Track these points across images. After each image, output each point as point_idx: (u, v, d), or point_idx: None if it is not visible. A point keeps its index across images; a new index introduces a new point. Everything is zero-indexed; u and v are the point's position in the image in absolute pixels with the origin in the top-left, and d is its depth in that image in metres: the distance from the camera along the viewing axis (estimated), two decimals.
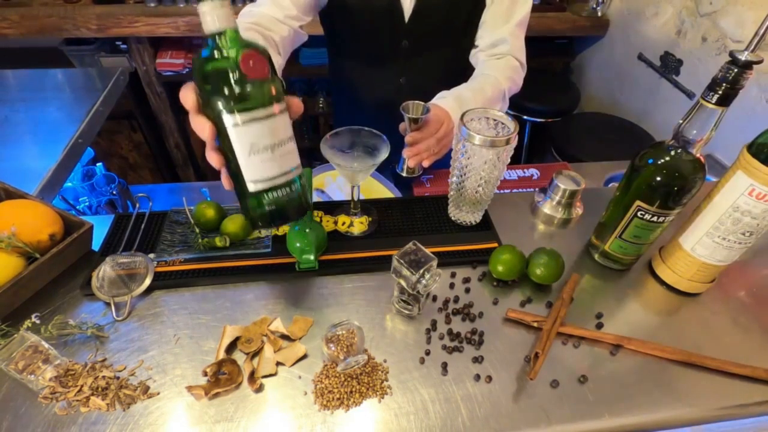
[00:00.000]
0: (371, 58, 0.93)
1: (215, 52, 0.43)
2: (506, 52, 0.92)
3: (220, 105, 0.44)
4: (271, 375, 0.56)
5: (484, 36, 0.93)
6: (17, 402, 0.53)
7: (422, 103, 0.73)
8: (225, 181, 0.49)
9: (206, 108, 0.45)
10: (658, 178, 0.59)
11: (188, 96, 0.45)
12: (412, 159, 0.77)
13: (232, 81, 0.43)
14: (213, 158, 0.48)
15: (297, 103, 0.49)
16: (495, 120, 0.68)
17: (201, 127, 0.45)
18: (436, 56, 0.95)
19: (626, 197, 0.64)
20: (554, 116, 1.83)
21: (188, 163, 2.20)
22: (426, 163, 0.80)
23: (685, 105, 1.60)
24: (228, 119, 0.44)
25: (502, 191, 1.06)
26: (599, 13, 1.97)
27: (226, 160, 0.48)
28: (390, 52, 0.92)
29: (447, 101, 0.82)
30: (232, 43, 0.43)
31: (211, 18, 0.42)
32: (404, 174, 0.81)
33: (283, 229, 0.75)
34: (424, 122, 0.75)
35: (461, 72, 0.98)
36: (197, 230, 0.72)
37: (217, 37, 0.43)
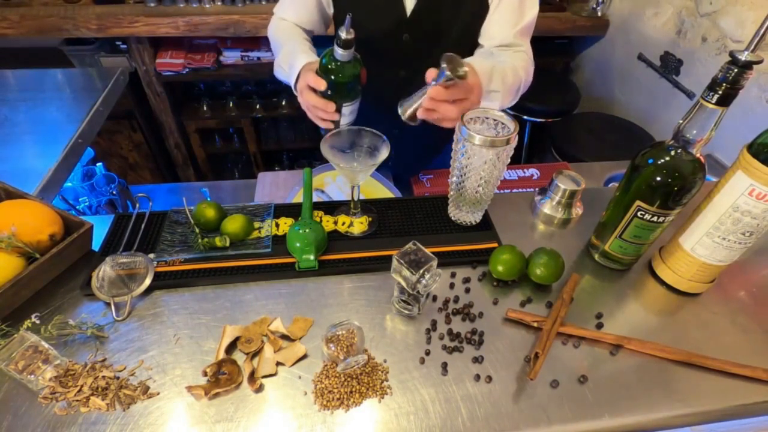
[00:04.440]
0: (372, 50, 0.93)
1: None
2: (519, 50, 0.91)
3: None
4: (271, 375, 0.56)
5: (489, 39, 0.91)
6: (17, 402, 0.53)
7: (465, 62, 0.66)
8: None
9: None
10: (658, 178, 0.59)
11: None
12: (424, 111, 0.69)
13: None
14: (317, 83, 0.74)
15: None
16: (495, 120, 0.68)
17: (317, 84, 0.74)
18: (437, 51, 0.95)
19: (626, 197, 0.64)
20: (554, 116, 1.83)
21: (188, 163, 2.20)
22: (432, 120, 0.71)
23: (685, 105, 1.59)
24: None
25: (502, 191, 1.06)
26: (599, 13, 1.97)
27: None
28: (391, 45, 0.92)
29: (483, 67, 0.76)
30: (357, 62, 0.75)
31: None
32: (403, 117, 0.73)
33: (284, 228, 0.75)
34: (454, 84, 0.66)
35: None
36: (197, 230, 0.72)
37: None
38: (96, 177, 1.25)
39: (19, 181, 0.73)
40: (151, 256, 0.68)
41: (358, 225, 0.76)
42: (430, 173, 1.14)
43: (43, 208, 0.66)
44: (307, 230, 0.69)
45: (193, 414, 0.53)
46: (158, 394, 0.54)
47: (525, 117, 1.86)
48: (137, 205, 0.79)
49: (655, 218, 0.62)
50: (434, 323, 0.63)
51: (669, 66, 1.67)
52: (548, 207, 0.82)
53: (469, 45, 0.95)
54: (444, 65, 0.64)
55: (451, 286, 0.69)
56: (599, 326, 0.64)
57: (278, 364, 0.58)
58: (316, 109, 0.76)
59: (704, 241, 0.63)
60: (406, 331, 0.63)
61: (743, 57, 0.50)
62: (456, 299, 0.67)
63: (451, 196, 0.77)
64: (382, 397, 0.55)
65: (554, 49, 2.24)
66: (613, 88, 2.01)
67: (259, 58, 1.88)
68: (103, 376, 0.54)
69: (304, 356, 0.58)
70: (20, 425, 0.51)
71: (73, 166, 1.04)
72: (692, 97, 1.59)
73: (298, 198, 0.96)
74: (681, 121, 0.57)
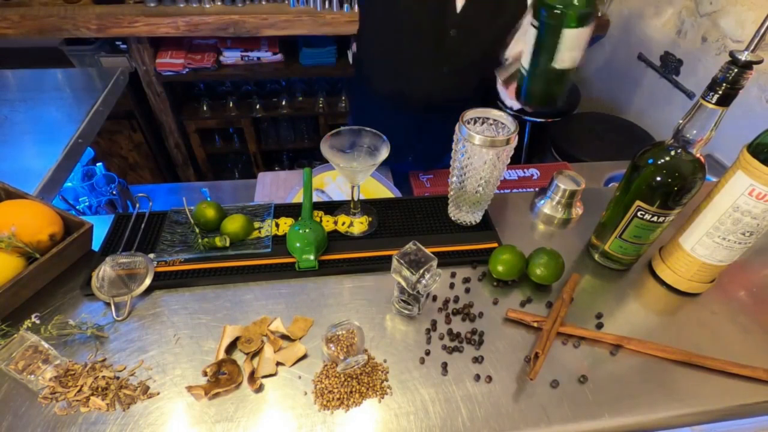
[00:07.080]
0: (419, 44, 0.92)
1: None
2: None
3: None
4: (271, 375, 0.56)
5: None
6: (17, 402, 0.53)
7: None
8: None
9: None
10: (658, 178, 0.59)
11: None
12: None
13: None
14: None
15: None
16: (495, 120, 0.68)
17: None
18: (480, 49, 0.94)
19: (626, 197, 0.64)
20: (554, 116, 1.83)
21: (188, 163, 2.20)
22: None
23: (685, 105, 1.59)
24: None
25: (502, 191, 1.06)
26: (599, 13, 1.97)
27: None
28: (437, 41, 0.92)
29: None
30: None
31: None
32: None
33: (284, 228, 0.75)
34: None
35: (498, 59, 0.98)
36: (197, 230, 0.72)
37: None
38: (96, 177, 1.25)
39: (19, 181, 0.73)
40: (151, 256, 0.68)
41: (358, 225, 0.76)
42: (430, 173, 1.14)
43: (43, 208, 0.66)
44: (307, 230, 0.69)
45: (193, 414, 0.53)
46: (158, 394, 0.54)
47: (525, 117, 1.86)
48: (137, 205, 0.79)
49: (655, 218, 0.62)
50: (434, 323, 0.63)
51: (669, 66, 1.67)
52: (548, 207, 0.82)
53: (505, 45, 0.96)
54: None
55: (451, 286, 0.69)
56: (599, 326, 0.64)
57: (278, 364, 0.58)
58: None
59: (704, 241, 0.63)
60: (406, 331, 0.63)
61: (743, 57, 0.50)
62: (456, 299, 0.67)
63: (451, 196, 0.77)
64: (382, 397, 0.55)
65: None
66: (613, 88, 2.01)
67: (259, 58, 1.88)
68: (103, 376, 0.54)
69: (304, 356, 0.58)
70: (20, 425, 0.51)
71: (73, 166, 1.04)
72: (692, 97, 1.59)
73: (298, 198, 0.96)
74: (681, 121, 0.57)
